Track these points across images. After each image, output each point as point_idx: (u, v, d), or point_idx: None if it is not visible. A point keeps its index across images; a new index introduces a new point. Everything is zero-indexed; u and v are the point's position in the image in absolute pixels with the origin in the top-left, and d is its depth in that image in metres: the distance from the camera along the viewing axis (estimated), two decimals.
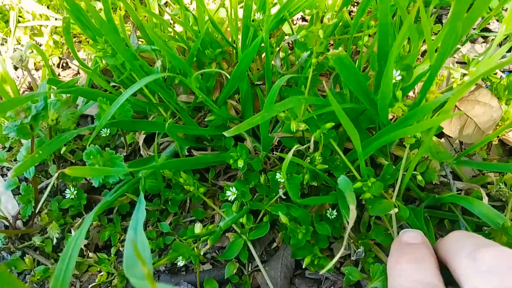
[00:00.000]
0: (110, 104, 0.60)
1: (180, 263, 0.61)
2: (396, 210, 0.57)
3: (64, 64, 0.99)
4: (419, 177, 0.59)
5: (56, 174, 0.57)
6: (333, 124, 0.55)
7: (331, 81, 0.66)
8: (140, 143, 0.72)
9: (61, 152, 0.74)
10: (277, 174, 0.59)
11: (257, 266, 0.65)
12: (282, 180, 0.59)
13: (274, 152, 0.72)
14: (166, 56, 0.65)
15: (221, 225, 0.60)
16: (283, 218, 0.59)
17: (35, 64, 0.98)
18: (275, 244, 0.66)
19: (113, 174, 0.55)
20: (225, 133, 0.51)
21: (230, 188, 0.62)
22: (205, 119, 0.71)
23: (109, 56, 0.64)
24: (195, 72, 0.64)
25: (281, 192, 0.60)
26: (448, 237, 0.50)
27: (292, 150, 0.52)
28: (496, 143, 0.71)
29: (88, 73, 0.67)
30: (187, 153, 0.71)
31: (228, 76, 0.62)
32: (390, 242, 0.61)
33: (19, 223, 0.71)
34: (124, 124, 0.64)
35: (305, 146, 0.59)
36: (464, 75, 0.71)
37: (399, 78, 0.53)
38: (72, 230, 0.64)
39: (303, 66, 0.66)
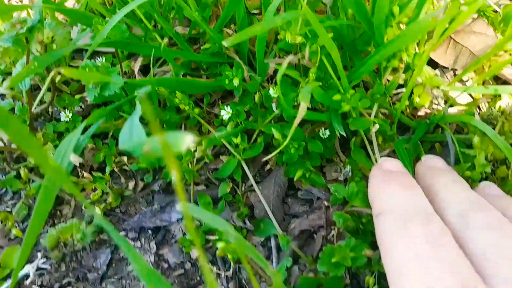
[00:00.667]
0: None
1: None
2: (377, 126, 0.58)
3: None
4: (416, 98, 0.61)
5: (49, 100, 0.58)
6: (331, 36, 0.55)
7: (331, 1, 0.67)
8: (136, 71, 0.73)
9: (56, 81, 0.75)
10: (271, 89, 0.61)
11: (250, 186, 0.66)
12: (276, 95, 0.61)
13: (270, 84, 0.73)
14: None
15: (216, 135, 0.61)
16: (276, 134, 0.60)
17: None
18: (268, 166, 0.68)
19: (109, 81, 0.56)
20: (224, 42, 0.51)
21: (225, 107, 0.63)
22: (201, 49, 0.72)
23: None
24: None
25: (274, 106, 0.61)
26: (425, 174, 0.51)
27: (287, 60, 0.53)
28: (490, 77, 0.73)
29: None
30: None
31: None
32: (371, 164, 0.62)
33: (14, 146, 0.72)
34: (120, 44, 0.64)
35: (299, 56, 0.59)
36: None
37: None
38: None
39: None
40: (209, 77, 0.74)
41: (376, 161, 0.61)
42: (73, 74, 0.51)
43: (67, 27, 0.64)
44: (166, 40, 0.64)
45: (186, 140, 0.28)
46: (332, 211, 0.64)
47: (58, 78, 0.75)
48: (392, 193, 0.47)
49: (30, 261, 0.63)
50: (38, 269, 0.57)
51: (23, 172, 0.64)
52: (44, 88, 0.63)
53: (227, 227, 0.44)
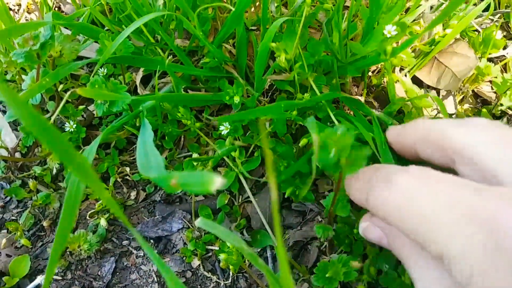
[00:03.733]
0: (112, 41, 0.63)
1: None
2: None
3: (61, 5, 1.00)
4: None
5: (63, 103, 0.60)
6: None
7: (324, 27, 0.70)
8: (138, 82, 0.75)
9: (58, 90, 0.77)
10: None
11: (247, 198, 0.70)
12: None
13: (265, 98, 0.76)
14: None
15: (218, 152, 0.65)
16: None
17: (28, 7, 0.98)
18: (264, 179, 0.71)
19: (119, 99, 0.58)
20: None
21: (224, 123, 0.66)
22: (200, 63, 0.74)
23: None
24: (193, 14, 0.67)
25: (267, 125, 0.64)
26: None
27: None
28: (471, 94, 0.77)
29: (91, 9, 0.69)
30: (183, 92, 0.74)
31: (232, 8, 0.65)
32: None
33: (17, 155, 0.74)
34: (125, 59, 0.67)
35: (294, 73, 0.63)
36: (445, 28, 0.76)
37: (394, 33, 0.56)
38: None
39: (297, 11, 0.69)
40: (207, 90, 0.77)
41: None
42: (88, 93, 0.54)
43: (74, 41, 0.65)
44: (170, 57, 0.67)
45: (216, 182, 0.31)
46: (325, 223, 0.68)
47: (60, 88, 0.77)
48: None
49: (37, 271, 0.66)
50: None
51: (31, 182, 0.66)
52: (61, 105, 0.65)
53: (242, 243, 0.47)
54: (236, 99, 0.65)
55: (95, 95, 0.56)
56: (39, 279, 0.59)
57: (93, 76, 0.68)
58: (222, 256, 0.59)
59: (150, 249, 0.35)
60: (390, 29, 0.55)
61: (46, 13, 0.85)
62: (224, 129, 0.65)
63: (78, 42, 0.66)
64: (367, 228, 0.50)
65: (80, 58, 0.86)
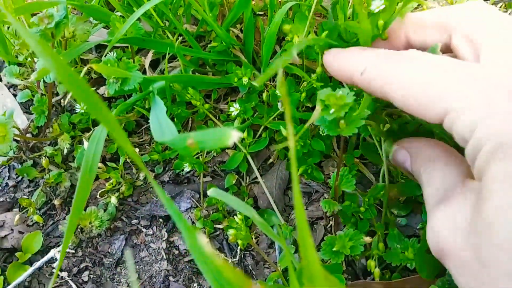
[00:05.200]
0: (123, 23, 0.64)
1: (186, 168, 0.67)
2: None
3: None
4: None
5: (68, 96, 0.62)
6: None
7: (330, 10, 0.71)
8: (147, 65, 0.77)
9: None
10: (277, 90, 0.65)
11: (254, 179, 0.71)
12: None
13: (272, 82, 0.77)
14: None
15: None
16: (284, 131, 0.64)
17: None
18: (270, 160, 0.73)
19: (131, 77, 0.60)
20: (255, 83, 0.55)
21: (234, 104, 0.68)
22: (207, 47, 0.75)
23: None
24: None
25: (279, 105, 0.66)
26: None
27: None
28: None
29: None
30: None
31: None
32: (377, 158, 0.68)
33: (28, 136, 0.75)
34: (136, 41, 0.68)
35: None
36: None
37: (382, 7, 0.57)
38: (84, 141, 0.69)
39: None
40: (215, 74, 0.78)
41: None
42: (102, 70, 0.56)
43: (87, 22, 0.67)
44: (180, 39, 0.68)
45: (233, 136, 0.32)
46: None
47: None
48: None
49: (49, 248, 0.67)
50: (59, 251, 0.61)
51: (44, 160, 0.67)
52: (67, 98, 0.66)
53: (253, 212, 0.49)
54: (245, 79, 0.66)
55: (109, 72, 0.57)
56: (52, 252, 0.61)
57: (105, 56, 0.69)
58: (231, 231, 0.60)
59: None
60: (377, 4, 0.56)
61: None
62: (234, 110, 0.67)
63: (90, 23, 0.67)
64: (396, 151, 0.52)
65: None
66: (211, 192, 0.50)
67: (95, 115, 0.32)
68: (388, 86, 0.40)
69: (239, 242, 0.60)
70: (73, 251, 0.66)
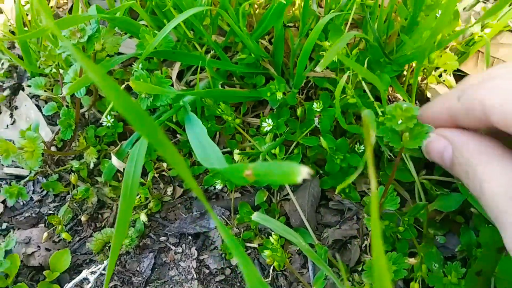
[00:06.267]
0: (152, 36, 0.63)
1: (218, 186, 0.66)
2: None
3: None
4: None
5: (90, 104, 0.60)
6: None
7: (369, 23, 0.69)
8: (174, 77, 0.75)
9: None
10: (314, 103, 0.64)
11: (285, 195, 0.70)
12: (319, 110, 0.64)
13: (301, 95, 0.76)
14: None
15: (263, 149, 0.64)
16: (324, 144, 0.63)
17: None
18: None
19: (166, 93, 0.58)
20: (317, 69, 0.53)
21: (266, 120, 0.66)
22: (235, 59, 0.74)
23: None
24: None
25: (316, 121, 0.64)
26: None
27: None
28: None
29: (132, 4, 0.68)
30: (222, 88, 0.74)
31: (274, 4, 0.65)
32: (407, 176, 0.66)
33: (53, 149, 0.74)
34: (166, 54, 0.66)
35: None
36: (482, 28, 0.75)
37: None
38: (113, 156, 0.67)
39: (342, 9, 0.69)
40: (242, 86, 0.77)
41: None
42: (141, 87, 0.54)
43: (116, 35, 0.65)
44: (212, 52, 0.66)
45: (302, 173, 0.30)
46: (363, 221, 0.68)
47: None
48: None
49: (76, 266, 0.65)
50: (92, 272, 0.60)
51: (73, 177, 0.66)
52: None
53: (300, 239, 0.47)
54: (279, 95, 0.65)
55: (146, 89, 0.56)
56: (84, 273, 0.59)
57: (135, 70, 0.68)
58: (266, 253, 0.59)
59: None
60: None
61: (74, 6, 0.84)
62: (267, 125, 0.65)
63: (119, 36, 0.66)
64: (432, 140, 0.50)
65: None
66: (255, 217, 0.48)
67: (155, 143, 0.30)
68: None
69: (275, 264, 0.59)
70: (102, 270, 0.64)
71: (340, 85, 0.58)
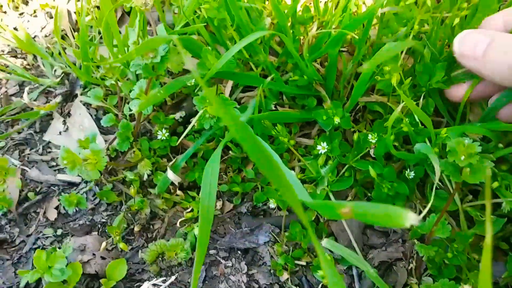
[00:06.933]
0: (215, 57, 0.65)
1: (272, 205, 0.68)
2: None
3: None
4: None
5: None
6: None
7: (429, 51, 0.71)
8: (227, 95, 0.77)
9: None
10: (369, 135, 0.66)
11: None
12: (374, 141, 0.66)
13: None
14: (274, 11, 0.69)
15: (322, 172, 0.66)
16: (372, 172, 0.65)
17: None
18: (349, 198, 0.73)
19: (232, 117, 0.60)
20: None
21: (321, 143, 0.68)
22: (287, 79, 0.76)
23: (214, 9, 0.69)
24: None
25: (371, 151, 0.66)
26: None
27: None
28: None
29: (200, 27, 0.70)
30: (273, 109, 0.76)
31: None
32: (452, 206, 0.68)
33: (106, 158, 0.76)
34: (227, 75, 0.69)
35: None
36: None
37: None
38: (168, 169, 0.69)
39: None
40: (291, 107, 0.79)
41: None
42: (216, 111, 0.56)
43: (179, 54, 0.67)
44: (273, 75, 0.69)
45: (410, 218, 0.32)
46: (408, 245, 0.70)
47: None
48: None
49: (129, 275, 0.67)
50: (154, 285, 0.62)
51: (132, 189, 0.67)
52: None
53: (368, 267, 0.49)
54: (337, 119, 0.67)
55: (217, 112, 0.58)
56: (146, 285, 0.61)
57: (196, 92, 0.70)
58: (319, 273, 0.61)
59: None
60: None
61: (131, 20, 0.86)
62: (321, 148, 0.67)
63: (183, 56, 0.68)
64: (466, 35, 0.55)
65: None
66: (325, 244, 0.50)
67: (274, 181, 0.32)
68: None
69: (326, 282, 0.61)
70: (158, 281, 0.66)
71: (392, 117, 0.61)
